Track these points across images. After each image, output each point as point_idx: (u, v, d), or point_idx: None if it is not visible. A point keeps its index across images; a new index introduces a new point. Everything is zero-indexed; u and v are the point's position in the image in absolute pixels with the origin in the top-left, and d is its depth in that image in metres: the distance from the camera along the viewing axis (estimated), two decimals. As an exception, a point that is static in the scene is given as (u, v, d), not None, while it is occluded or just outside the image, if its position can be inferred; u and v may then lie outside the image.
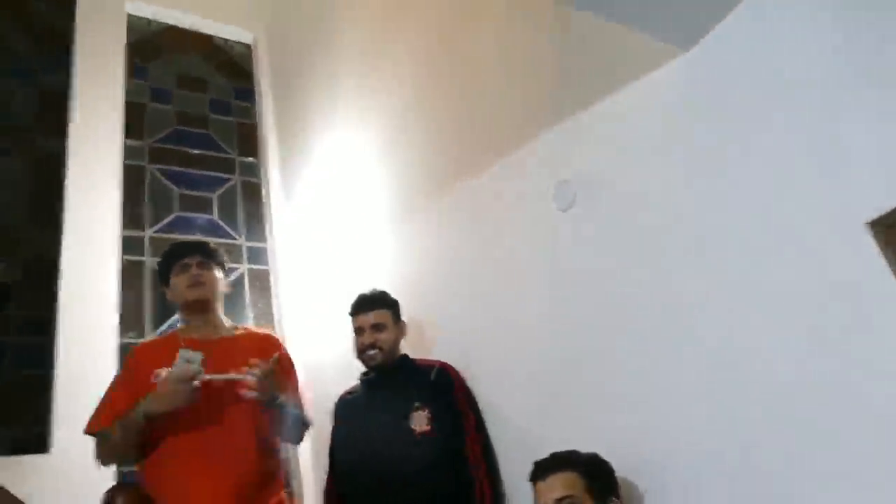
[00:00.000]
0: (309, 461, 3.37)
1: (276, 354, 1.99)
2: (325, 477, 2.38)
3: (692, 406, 1.65)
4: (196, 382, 1.85)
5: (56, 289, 3.22)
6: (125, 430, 1.86)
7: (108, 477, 2.69)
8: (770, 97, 1.55)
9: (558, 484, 1.63)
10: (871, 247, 1.33)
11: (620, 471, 1.71)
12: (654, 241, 1.79)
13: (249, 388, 1.88)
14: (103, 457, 1.95)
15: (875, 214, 1.32)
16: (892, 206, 1.30)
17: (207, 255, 2.15)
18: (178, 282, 2.09)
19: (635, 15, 1.68)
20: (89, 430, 1.94)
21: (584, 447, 1.72)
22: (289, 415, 2.02)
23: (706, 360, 1.63)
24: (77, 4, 4.05)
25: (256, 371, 1.88)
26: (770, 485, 1.46)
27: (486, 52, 2.51)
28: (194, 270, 2.10)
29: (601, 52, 1.97)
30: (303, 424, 2.13)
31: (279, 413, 1.98)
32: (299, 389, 2.17)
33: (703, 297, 1.65)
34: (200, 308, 2.10)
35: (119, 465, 1.95)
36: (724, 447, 1.57)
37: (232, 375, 1.92)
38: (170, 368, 1.91)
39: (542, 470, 1.68)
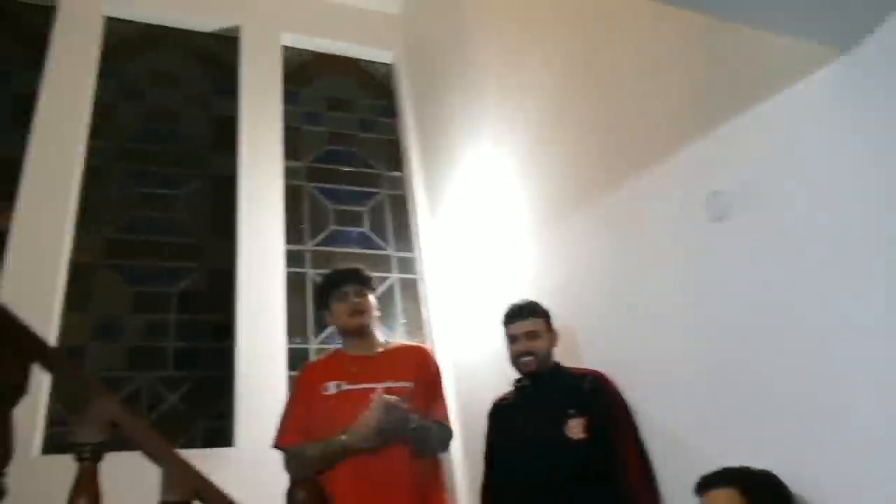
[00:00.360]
0: (461, 460, 3.51)
1: (400, 398, 2.10)
2: (478, 477, 2.49)
3: (860, 428, 1.59)
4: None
5: (234, 297, 3.58)
6: (327, 460, 2.07)
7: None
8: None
9: (718, 500, 1.62)
10: None
11: (797, 489, 1.67)
12: (815, 251, 1.74)
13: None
14: (296, 471, 2.17)
15: None
16: None
17: (362, 283, 2.35)
18: (339, 309, 2.31)
19: (787, 19, 1.66)
20: (279, 445, 2.20)
21: (747, 460, 1.71)
22: (428, 435, 2.16)
23: (878, 378, 1.56)
24: (240, 39, 4.47)
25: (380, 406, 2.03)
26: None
27: (630, 60, 2.53)
28: (353, 299, 2.30)
29: (751, 58, 1.95)
30: (449, 436, 2.28)
31: (417, 436, 2.12)
32: (444, 401, 2.32)
33: (873, 311, 1.59)
34: (360, 332, 2.31)
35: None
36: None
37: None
38: (338, 382, 2.18)
39: (704, 485, 1.68)
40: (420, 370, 2.29)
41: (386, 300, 3.97)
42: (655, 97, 2.36)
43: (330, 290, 2.35)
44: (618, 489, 2.08)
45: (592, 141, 2.73)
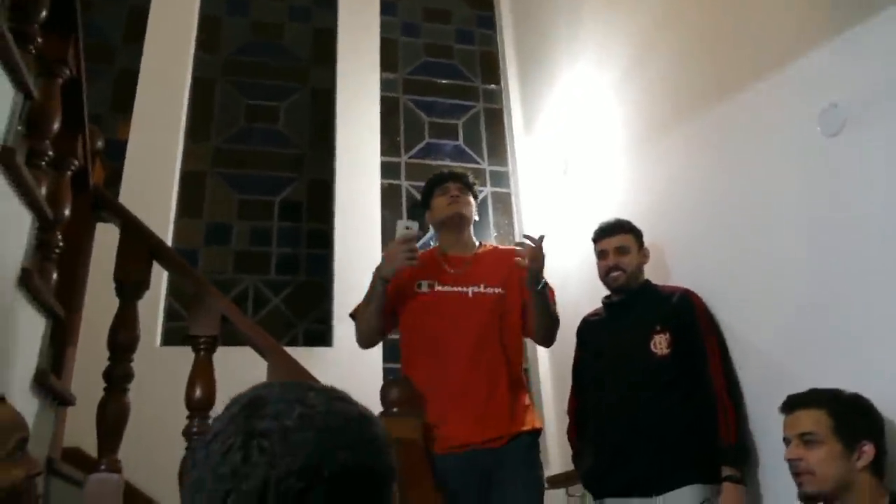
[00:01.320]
0: (548, 373, 3.60)
1: (542, 234, 2.11)
2: (565, 395, 2.54)
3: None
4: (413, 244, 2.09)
5: (333, 207, 3.73)
6: (368, 301, 2.20)
7: (378, 370, 3.18)
8: None
9: (804, 419, 1.60)
10: None
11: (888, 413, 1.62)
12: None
13: (522, 256, 2.06)
14: (358, 333, 2.31)
15: None
16: None
17: (465, 184, 2.37)
18: (440, 202, 2.34)
19: None
20: (351, 313, 2.34)
21: (838, 386, 1.67)
22: (548, 305, 2.17)
23: None
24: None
25: (528, 244, 2.06)
26: None
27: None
28: (453, 192, 2.33)
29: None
30: (555, 322, 2.26)
31: (541, 299, 2.13)
32: (553, 293, 2.32)
33: None
34: (457, 225, 2.33)
35: (369, 345, 2.30)
36: None
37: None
38: (431, 281, 2.21)
39: (792, 404, 1.66)
40: (516, 273, 2.24)
41: (478, 213, 4.00)
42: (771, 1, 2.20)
43: (433, 187, 2.38)
44: (701, 403, 2.09)
45: (703, 47, 2.58)
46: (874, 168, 1.80)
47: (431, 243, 2.50)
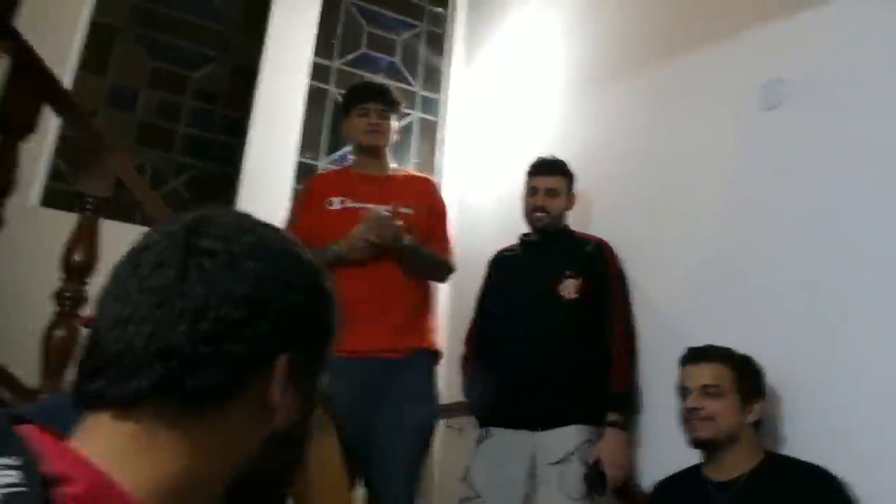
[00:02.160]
0: (447, 299, 3.58)
1: (394, 206, 2.12)
2: (461, 327, 2.54)
3: (859, 328, 1.61)
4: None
5: (253, 97, 3.49)
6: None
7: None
8: None
9: (708, 372, 1.67)
10: None
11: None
12: (860, 153, 1.69)
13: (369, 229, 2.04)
14: None
15: None
16: None
17: (388, 104, 2.27)
18: (357, 124, 2.26)
19: None
20: None
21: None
22: (423, 257, 2.17)
23: (885, 298, 1.56)
24: None
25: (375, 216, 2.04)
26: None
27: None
28: (373, 118, 2.23)
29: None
30: (445, 268, 2.28)
31: (412, 255, 2.13)
32: (447, 235, 2.31)
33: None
34: (372, 152, 2.28)
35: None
36: (876, 384, 1.54)
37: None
38: (343, 198, 2.17)
39: (695, 356, 1.72)
40: (426, 199, 2.28)
41: (402, 137, 3.88)
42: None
43: (355, 102, 2.29)
44: (598, 349, 2.14)
45: (652, 5, 2.58)
46: (805, 143, 1.86)
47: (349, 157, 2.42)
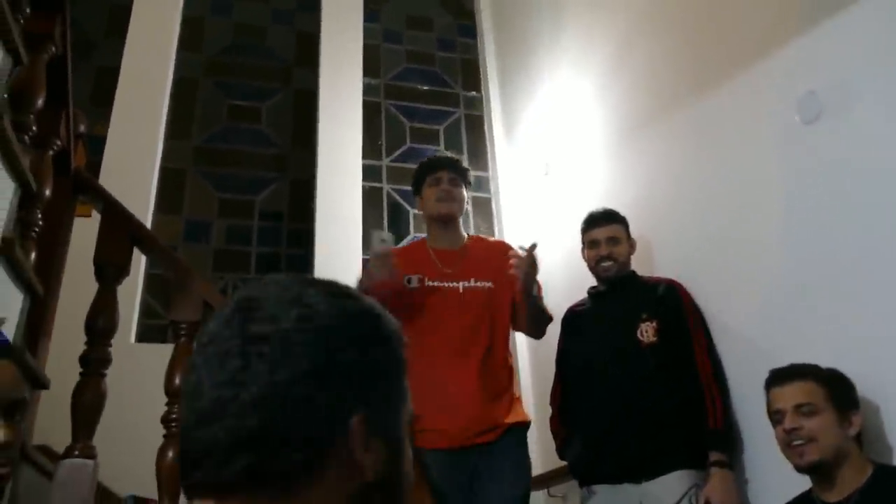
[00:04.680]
0: (528, 366, 3.59)
1: (533, 242, 2.12)
2: (546, 391, 2.54)
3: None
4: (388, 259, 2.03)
5: (314, 207, 3.71)
6: None
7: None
8: None
9: (798, 390, 1.61)
10: None
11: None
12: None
13: (517, 267, 2.05)
14: None
15: None
16: None
17: (458, 172, 2.30)
18: (430, 194, 2.29)
19: None
20: None
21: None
22: (541, 309, 2.20)
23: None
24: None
25: (522, 255, 2.06)
26: None
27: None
28: (445, 185, 2.26)
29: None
30: (548, 320, 2.28)
31: (533, 304, 2.14)
32: (540, 286, 2.32)
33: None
34: (446, 221, 2.30)
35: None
36: None
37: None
38: (421, 276, 2.19)
39: (781, 377, 1.67)
40: (506, 266, 2.22)
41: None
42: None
43: (425, 175, 2.32)
44: (687, 391, 2.10)
45: (676, 47, 2.65)
46: (850, 153, 1.84)
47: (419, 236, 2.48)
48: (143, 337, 3.20)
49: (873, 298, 1.72)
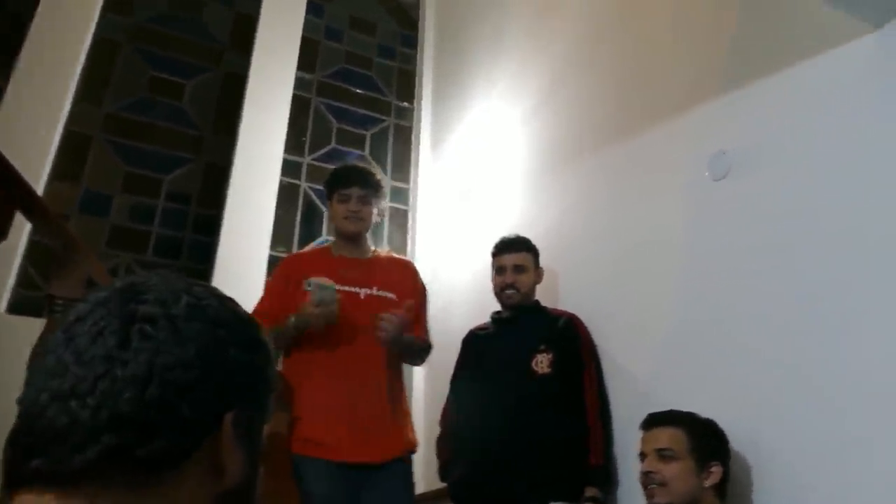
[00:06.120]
0: (422, 381, 3.57)
1: (410, 302, 2.16)
2: (437, 407, 2.54)
3: (810, 398, 1.63)
4: (333, 307, 2.04)
5: (225, 194, 3.57)
6: (278, 339, 2.08)
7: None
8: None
9: (663, 436, 1.68)
10: None
11: (734, 443, 1.72)
12: (805, 225, 1.75)
13: (385, 331, 2.06)
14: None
15: None
16: None
17: (369, 188, 2.28)
18: (338, 210, 2.28)
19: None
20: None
21: (702, 413, 1.75)
22: (415, 347, 2.26)
23: (840, 360, 1.59)
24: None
25: (393, 320, 2.06)
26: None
27: (660, 8, 2.51)
28: (353, 205, 2.24)
29: (783, 21, 1.94)
30: (426, 351, 2.33)
31: (404, 349, 2.21)
32: (426, 317, 2.34)
33: (849, 292, 1.60)
34: (351, 238, 2.30)
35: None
36: (838, 442, 1.55)
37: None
38: (321, 278, 2.13)
39: (653, 421, 1.73)
40: (408, 283, 2.31)
41: (374, 228, 3.97)
42: (684, 49, 2.34)
43: (335, 187, 2.30)
44: (574, 425, 2.13)
45: (602, 92, 2.74)
46: (752, 211, 1.94)
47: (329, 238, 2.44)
48: (15, 308, 2.97)
49: (759, 353, 1.80)
